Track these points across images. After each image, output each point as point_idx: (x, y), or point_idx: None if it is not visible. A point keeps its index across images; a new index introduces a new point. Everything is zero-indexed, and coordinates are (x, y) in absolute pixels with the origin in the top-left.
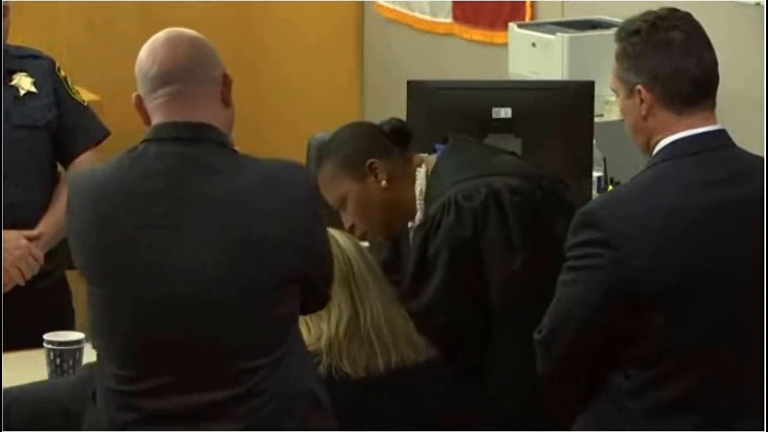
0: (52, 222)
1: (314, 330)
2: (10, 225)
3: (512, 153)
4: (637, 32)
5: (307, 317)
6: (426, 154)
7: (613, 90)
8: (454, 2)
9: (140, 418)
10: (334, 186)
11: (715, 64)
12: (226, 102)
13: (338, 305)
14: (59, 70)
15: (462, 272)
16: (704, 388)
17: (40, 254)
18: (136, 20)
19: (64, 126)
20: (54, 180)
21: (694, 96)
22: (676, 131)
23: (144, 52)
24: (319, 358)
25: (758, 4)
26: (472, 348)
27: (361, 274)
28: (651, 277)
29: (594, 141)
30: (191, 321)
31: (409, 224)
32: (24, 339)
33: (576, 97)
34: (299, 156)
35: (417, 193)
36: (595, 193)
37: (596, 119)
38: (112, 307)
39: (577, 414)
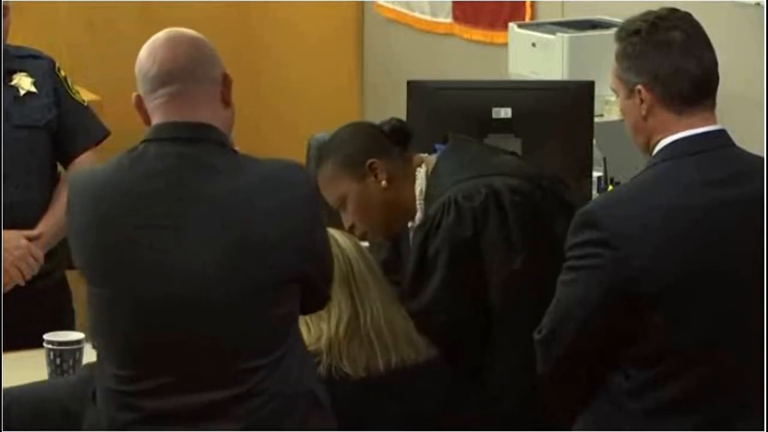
0: (52, 222)
1: (314, 330)
2: (10, 225)
3: (512, 153)
4: (637, 32)
5: (307, 317)
6: (426, 154)
7: (613, 90)
8: (454, 2)
9: (140, 418)
10: (334, 186)
11: (715, 64)
12: (226, 102)
13: (338, 305)
14: (59, 70)
15: (462, 272)
16: (704, 388)
17: (40, 254)
18: (136, 20)
19: (64, 126)
20: (54, 180)
21: (694, 96)
22: (676, 131)
23: (144, 52)
24: (319, 358)
25: (758, 4)
26: (472, 348)
27: (361, 274)
28: (651, 277)
29: (594, 141)
30: (191, 321)
31: (409, 224)
32: (24, 339)
33: (576, 97)
34: (299, 156)
35: (417, 193)
36: (595, 193)
37: (596, 119)
38: (112, 307)
39: (577, 414)
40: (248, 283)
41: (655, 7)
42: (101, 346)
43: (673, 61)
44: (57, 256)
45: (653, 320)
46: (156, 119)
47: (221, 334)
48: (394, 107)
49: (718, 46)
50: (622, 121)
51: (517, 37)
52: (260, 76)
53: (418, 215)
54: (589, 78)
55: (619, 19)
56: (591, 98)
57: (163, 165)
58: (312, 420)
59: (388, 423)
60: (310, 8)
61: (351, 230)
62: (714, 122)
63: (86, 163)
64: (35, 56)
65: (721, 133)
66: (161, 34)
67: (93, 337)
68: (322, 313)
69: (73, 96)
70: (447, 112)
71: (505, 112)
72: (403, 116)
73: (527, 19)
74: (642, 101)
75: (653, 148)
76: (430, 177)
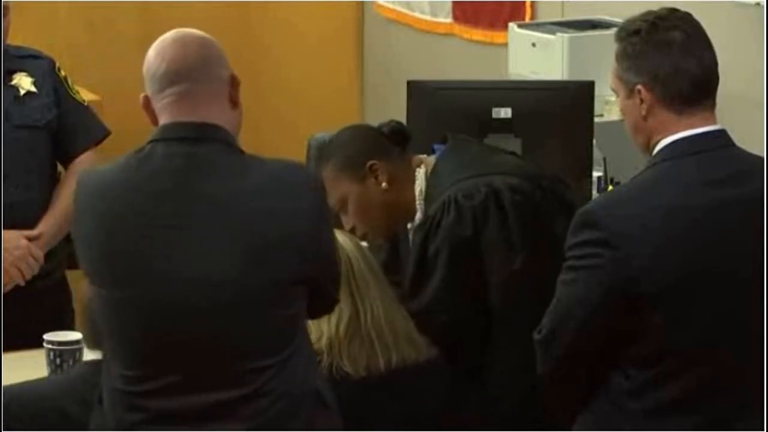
0: (52, 222)
1: (315, 330)
2: (10, 225)
3: (512, 153)
4: (637, 32)
5: None
6: (425, 155)
7: (613, 90)
8: (454, 2)
9: (147, 418)
10: (335, 188)
11: (715, 64)
12: (234, 102)
13: (339, 305)
14: (59, 70)
15: (462, 272)
16: (704, 388)
17: (40, 254)
18: (136, 20)
19: (64, 126)
20: (54, 180)
21: (694, 96)
22: (676, 131)
23: (152, 51)
24: (319, 358)
25: (758, 4)
26: (472, 348)
27: (362, 274)
28: (651, 276)
29: (594, 141)
30: (199, 321)
31: (408, 225)
32: (24, 339)
33: (576, 97)
34: (299, 156)
35: (417, 193)
36: (595, 193)
37: (596, 119)
38: (120, 309)
39: (577, 414)
40: (256, 284)
41: (655, 7)
42: (108, 347)
43: (673, 61)
44: (57, 256)
45: (653, 320)
46: (163, 119)
47: (229, 334)
48: (394, 107)
49: (718, 46)
50: (622, 121)
51: (517, 37)
52: (260, 76)
53: (418, 215)
54: (589, 78)
55: (619, 19)
56: (591, 98)
57: (170, 165)
58: (318, 420)
59: (388, 422)
60: (310, 8)
61: (352, 232)
62: (714, 122)
63: (86, 163)
64: (35, 56)
65: (721, 133)
66: (169, 34)
67: (90, 339)
68: None
69: (73, 96)
70: (447, 112)
71: (505, 112)
72: (403, 116)
73: (527, 19)
74: (642, 101)
75: (653, 148)
76: (430, 177)
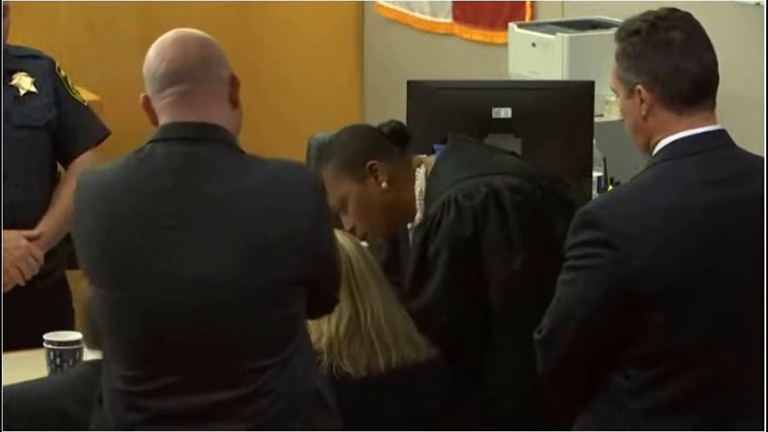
0: (52, 222)
1: (315, 330)
2: (10, 225)
3: (512, 153)
4: (637, 32)
5: None
6: (425, 155)
7: (613, 90)
8: (454, 2)
9: (147, 418)
10: (335, 188)
11: (715, 64)
12: (234, 103)
13: (339, 305)
14: (59, 70)
15: (462, 272)
16: (704, 388)
17: (40, 254)
18: (136, 20)
19: (64, 126)
20: (54, 180)
21: (694, 96)
22: (676, 131)
23: (152, 51)
24: (319, 358)
25: (758, 4)
26: (472, 348)
27: (362, 273)
28: (651, 276)
29: (594, 141)
30: (199, 321)
31: (408, 225)
32: (24, 339)
33: (576, 97)
34: (299, 156)
35: (417, 193)
36: (595, 193)
37: (596, 119)
38: (120, 309)
39: (577, 414)
40: (256, 284)
41: (655, 7)
42: (108, 347)
43: (673, 61)
44: (57, 256)
45: (653, 320)
46: (163, 119)
47: (229, 334)
48: (394, 107)
49: (718, 46)
50: (622, 121)
51: (517, 37)
52: (260, 76)
53: (418, 216)
54: (589, 78)
55: (619, 19)
56: (591, 98)
57: (170, 165)
58: (318, 420)
59: (388, 422)
60: (310, 8)
61: (352, 232)
62: (714, 122)
63: (86, 162)
64: (35, 56)
65: (721, 133)
66: (169, 34)
67: (91, 339)
68: None
69: (73, 96)
70: (447, 112)
71: (505, 112)
72: (403, 116)
73: (527, 19)
74: (642, 101)
75: (653, 148)
76: (430, 177)
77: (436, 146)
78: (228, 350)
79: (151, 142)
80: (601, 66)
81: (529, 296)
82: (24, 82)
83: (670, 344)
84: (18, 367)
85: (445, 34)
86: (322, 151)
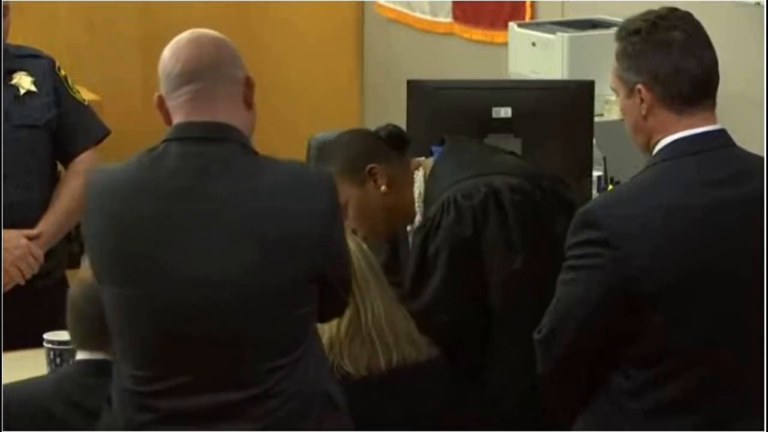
0: (52, 221)
1: None
2: (10, 225)
3: (512, 153)
4: (637, 32)
5: None
6: (423, 158)
7: (613, 89)
8: (454, 2)
9: (157, 418)
10: None
11: (716, 63)
12: (248, 103)
13: None
14: (59, 70)
15: (462, 272)
16: (704, 388)
17: (40, 253)
18: (136, 20)
19: (64, 125)
20: (54, 180)
21: (694, 96)
22: (676, 131)
23: (167, 52)
24: None
25: (758, 3)
26: (472, 348)
27: (362, 273)
28: (651, 276)
29: (594, 141)
30: (211, 321)
31: (408, 228)
32: (24, 339)
33: (576, 96)
34: (299, 156)
35: (416, 196)
36: (595, 192)
37: (596, 119)
38: (131, 308)
39: (577, 414)
40: (268, 284)
41: (655, 7)
42: (118, 347)
43: (674, 61)
44: (57, 255)
45: (653, 320)
46: (177, 118)
47: (241, 333)
48: (394, 107)
49: (718, 46)
50: (622, 120)
51: (517, 37)
52: (260, 76)
53: (418, 218)
54: (589, 78)
55: (619, 19)
56: (591, 98)
57: (184, 164)
58: (327, 421)
59: (389, 422)
60: (310, 8)
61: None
62: (714, 122)
63: (86, 162)
64: (35, 55)
65: (721, 133)
66: (185, 35)
67: (81, 338)
68: None
69: (73, 95)
70: (447, 112)
71: (505, 112)
72: (403, 116)
73: (527, 19)
74: (642, 101)
75: (653, 147)
76: (428, 179)
77: (434, 148)
78: (239, 350)
79: (164, 141)
80: (601, 66)
81: (529, 296)
82: (24, 82)
83: (670, 344)
84: (18, 367)
85: (445, 34)
86: (321, 155)
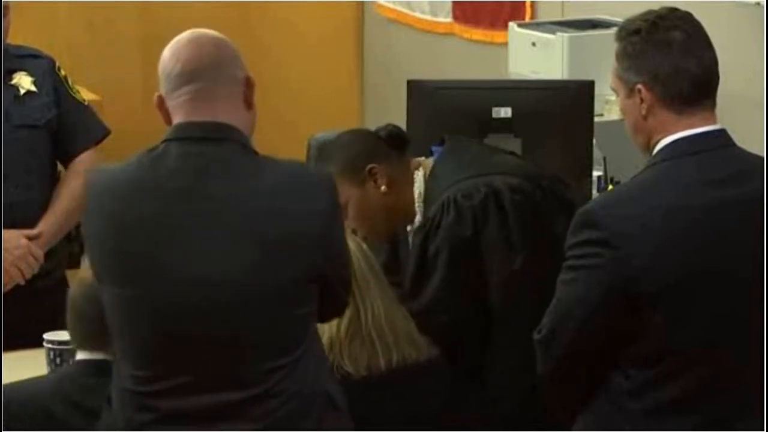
0: (52, 221)
1: None
2: (10, 225)
3: (512, 153)
4: (637, 32)
5: None
6: (423, 158)
7: (613, 89)
8: (454, 2)
9: (157, 418)
10: None
11: (716, 63)
12: (248, 104)
13: None
14: (59, 70)
15: (462, 272)
16: (704, 388)
17: (40, 253)
18: (136, 20)
19: (64, 125)
20: (54, 180)
21: (694, 96)
22: (676, 131)
23: (167, 52)
24: None
25: (758, 3)
26: (472, 348)
27: (362, 273)
28: (651, 276)
29: (594, 141)
30: (211, 321)
31: (408, 228)
32: (24, 339)
33: (576, 96)
34: (299, 156)
35: (416, 196)
36: (595, 192)
37: (596, 119)
38: (131, 308)
39: (577, 414)
40: (268, 284)
41: (655, 7)
42: (118, 347)
43: (674, 61)
44: (57, 255)
45: (653, 320)
46: (177, 118)
47: (240, 333)
48: (394, 107)
49: (718, 46)
50: (622, 120)
51: (517, 37)
52: (260, 76)
53: (418, 218)
54: (589, 78)
55: (619, 19)
56: (591, 98)
57: (184, 164)
58: (327, 421)
59: (389, 422)
60: (310, 8)
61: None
62: (714, 122)
63: (86, 162)
64: (35, 55)
65: (721, 133)
66: (185, 35)
67: (81, 338)
68: None
69: (73, 95)
70: (447, 112)
71: (505, 112)
72: (403, 116)
73: (527, 19)
74: (642, 101)
75: (653, 147)
76: (428, 180)
77: (434, 148)
78: (239, 350)
79: (164, 141)
80: (601, 66)
81: (529, 296)
82: (24, 82)
83: (670, 344)
84: (18, 367)
85: (445, 34)
86: (321, 155)
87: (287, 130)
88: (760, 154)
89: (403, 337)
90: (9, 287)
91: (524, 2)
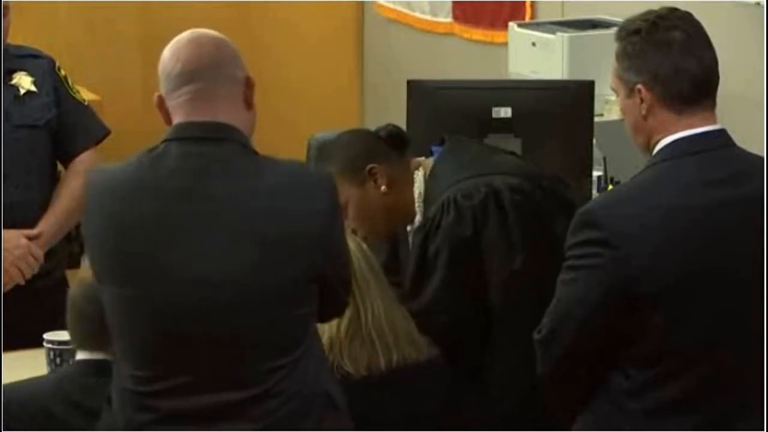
0: (52, 221)
1: None
2: (10, 225)
3: (512, 153)
4: (637, 32)
5: None
6: (423, 158)
7: (613, 89)
8: (454, 2)
9: (157, 418)
10: None
11: (716, 63)
12: (248, 104)
13: None
14: (59, 69)
15: (462, 272)
16: (704, 388)
17: (40, 253)
18: (136, 20)
19: (64, 125)
20: (54, 180)
21: (694, 96)
22: (676, 131)
23: (167, 52)
24: None
25: (758, 3)
26: (472, 348)
27: (362, 273)
28: (651, 276)
29: (594, 141)
30: (211, 321)
31: (408, 228)
32: (24, 339)
33: (576, 96)
34: (299, 156)
35: (416, 196)
36: (595, 192)
37: (596, 119)
38: (131, 308)
39: (577, 414)
40: (268, 284)
41: (655, 7)
42: (118, 348)
43: (674, 61)
44: (57, 255)
45: (653, 320)
46: (177, 118)
47: (240, 333)
48: (394, 107)
49: (718, 46)
50: (622, 120)
51: (517, 37)
52: (260, 76)
53: (418, 218)
54: (589, 78)
55: (619, 19)
56: (591, 98)
57: (184, 164)
58: (327, 421)
59: (389, 422)
60: (310, 8)
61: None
62: (714, 122)
63: (86, 162)
64: (35, 55)
65: (721, 133)
66: (185, 35)
67: (81, 338)
68: None
69: (73, 95)
70: (447, 111)
71: (505, 112)
72: (403, 116)
73: (527, 19)
74: (642, 101)
75: (653, 147)
76: (428, 179)
77: (434, 148)
78: (239, 350)
79: (164, 141)
80: (601, 66)
81: (529, 296)
82: (24, 82)
83: (670, 344)
84: (18, 367)
85: (445, 34)
86: (321, 155)
87: (287, 130)
88: (760, 154)
89: (403, 337)
90: (9, 287)
91: (524, 2)
